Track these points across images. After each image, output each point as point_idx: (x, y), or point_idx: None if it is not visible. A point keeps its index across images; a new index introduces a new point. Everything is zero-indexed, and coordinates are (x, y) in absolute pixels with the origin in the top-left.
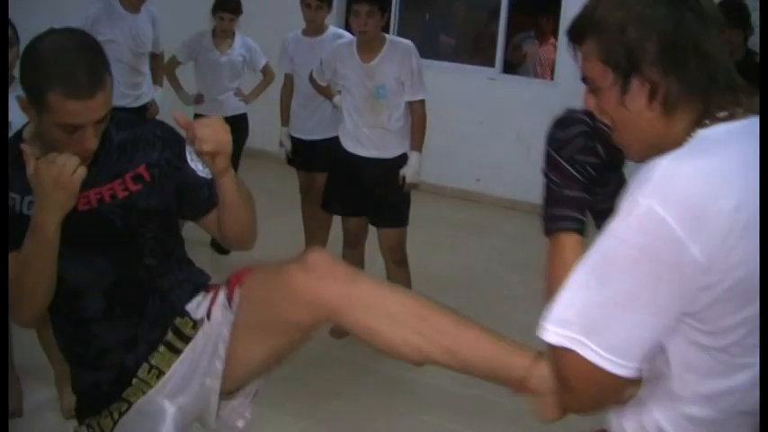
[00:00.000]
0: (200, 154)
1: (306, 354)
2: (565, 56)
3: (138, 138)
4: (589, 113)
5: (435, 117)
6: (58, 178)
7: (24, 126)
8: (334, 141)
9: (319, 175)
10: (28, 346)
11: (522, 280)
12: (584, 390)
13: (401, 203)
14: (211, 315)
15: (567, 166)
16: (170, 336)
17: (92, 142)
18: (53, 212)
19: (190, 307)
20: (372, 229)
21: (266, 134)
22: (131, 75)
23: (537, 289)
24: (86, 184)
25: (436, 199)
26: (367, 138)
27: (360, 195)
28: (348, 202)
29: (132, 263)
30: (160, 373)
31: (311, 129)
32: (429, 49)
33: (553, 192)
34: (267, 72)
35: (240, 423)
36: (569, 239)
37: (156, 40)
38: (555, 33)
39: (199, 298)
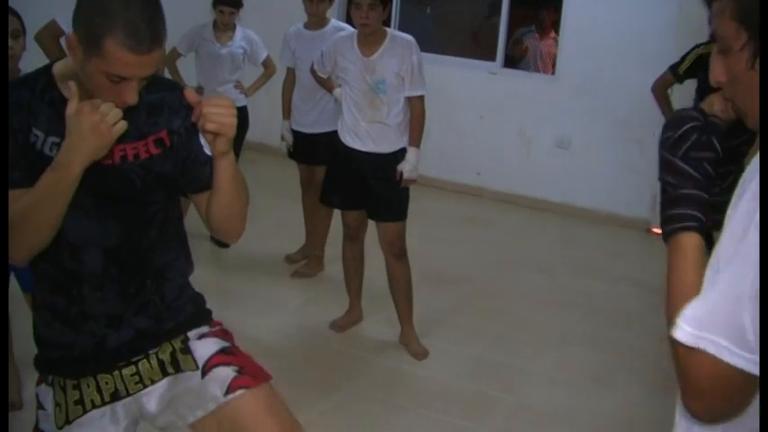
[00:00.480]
0: (203, 132)
1: (306, 347)
2: (566, 50)
3: (165, 102)
4: (699, 110)
5: (436, 111)
6: (98, 125)
7: (53, 62)
8: (336, 135)
9: (320, 169)
10: (27, 337)
11: (523, 275)
12: (716, 391)
13: (399, 198)
14: (211, 374)
15: (683, 164)
16: (165, 356)
17: (133, 97)
18: (82, 156)
19: (191, 335)
20: (372, 223)
21: (267, 127)
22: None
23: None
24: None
25: (436, 193)
26: (365, 132)
27: (358, 189)
28: (346, 196)
29: (139, 229)
30: (141, 384)
31: (312, 122)
32: (430, 44)
33: (668, 193)
34: (268, 65)
35: None
36: (690, 239)
37: None
38: (556, 27)
39: (203, 329)
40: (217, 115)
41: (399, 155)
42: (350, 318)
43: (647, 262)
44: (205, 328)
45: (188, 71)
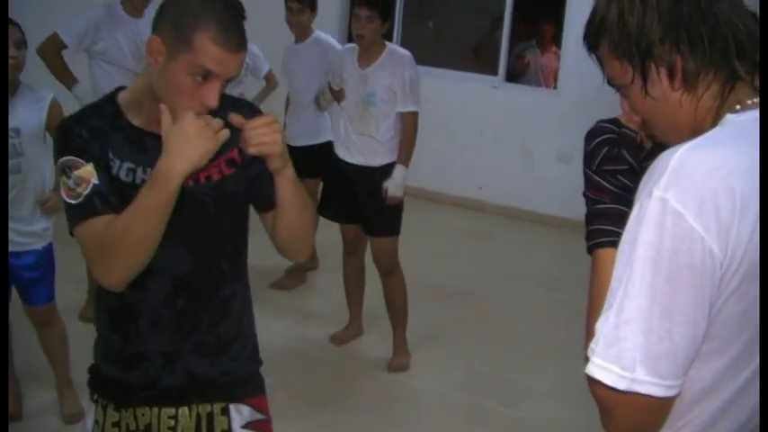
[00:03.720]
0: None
1: (306, 360)
2: (567, 64)
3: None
4: (615, 121)
5: (437, 124)
6: (203, 130)
7: (117, 90)
8: (318, 148)
9: (305, 182)
10: (28, 348)
11: (524, 289)
12: (627, 416)
13: (389, 213)
14: None
15: (597, 178)
16: (203, 413)
17: (214, 99)
18: (185, 162)
19: (234, 422)
20: None
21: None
22: (133, 79)
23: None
24: None
25: (437, 206)
26: (354, 144)
27: (352, 203)
28: (341, 209)
29: (211, 259)
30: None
31: (294, 136)
32: (432, 58)
33: (589, 208)
34: (270, 78)
35: None
36: (607, 255)
37: None
38: (556, 41)
39: (244, 412)
40: (257, 137)
41: (387, 170)
42: (350, 331)
43: None
44: (248, 410)
45: None
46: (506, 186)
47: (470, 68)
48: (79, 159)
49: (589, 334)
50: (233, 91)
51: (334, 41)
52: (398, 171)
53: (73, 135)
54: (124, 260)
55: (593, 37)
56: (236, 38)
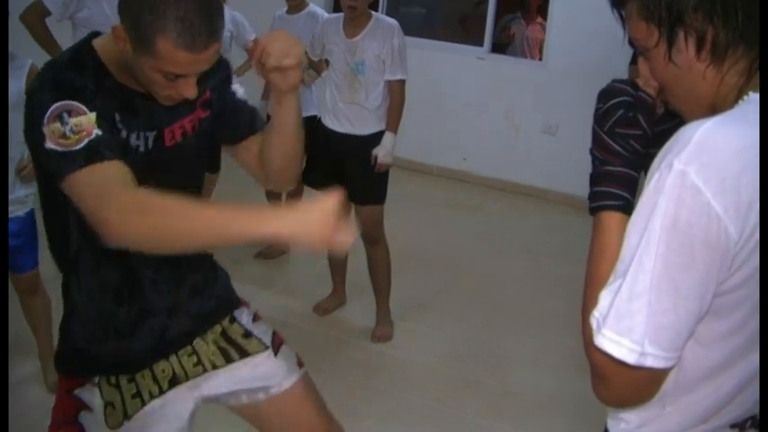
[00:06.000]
0: (269, 71)
1: (289, 330)
2: (553, 36)
3: None
4: (632, 83)
5: (423, 96)
6: (328, 224)
7: (91, 37)
8: (304, 121)
9: None
10: (12, 318)
11: (508, 260)
12: (623, 385)
13: (376, 181)
14: (281, 353)
15: (608, 140)
16: (218, 338)
17: (192, 91)
18: (289, 232)
19: (237, 314)
20: None
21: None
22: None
23: (523, 269)
24: (170, 119)
25: (422, 177)
26: (343, 113)
27: (338, 171)
28: (327, 179)
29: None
30: (201, 367)
31: None
32: (418, 29)
33: (596, 168)
34: None
35: None
36: (611, 219)
37: None
38: (542, 13)
39: (246, 310)
40: (283, 48)
41: (377, 138)
42: (333, 301)
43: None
44: (246, 310)
45: None
46: (491, 158)
47: (456, 39)
48: (81, 105)
49: (589, 299)
50: None
51: (327, 16)
52: (388, 138)
53: (66, 79)
54: (148, 238)
55: None
56: (202, 35)
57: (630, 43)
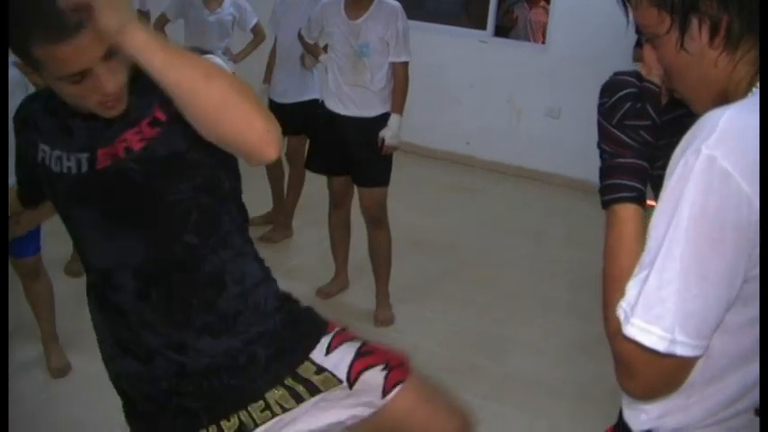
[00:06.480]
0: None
1: None
2: (556, 19)
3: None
4: (635, 74)
5: (426, 79)
6: None
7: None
8: (304, 105)
9: (289, 138)
10: (14, 302)
11: (510, 244)
12: (651, 375)
13: (380, 163)
14: (359, 383)
15: (618, 133)
16: (292, 383)
17: (109, 83)
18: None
19: (317, 358)
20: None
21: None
22: None
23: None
24: (107, 139)
25: (425, 161)
26: (347, 96)
27: (342, 154)
28: (330, 162)
29: (167, 237)
30: (270, 412)
31: (282, 92)
32: (421, 11)
33: (606, 162)
34: (258, 32)
35: None
36: (626, 211)
37: None
38: None
39: (323, 342)
40: None
41: (382, 120)
42: (336, 285)
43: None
44: (325, 339)
45: (178, 37)
46: (494, 141)
47: (459, 23)
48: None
49: (610, 292)
50: (219, 44)
51: None
52: (394, 120)
53: (24, 110)
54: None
55: None
56: (68, 22)
57: (637, 30)
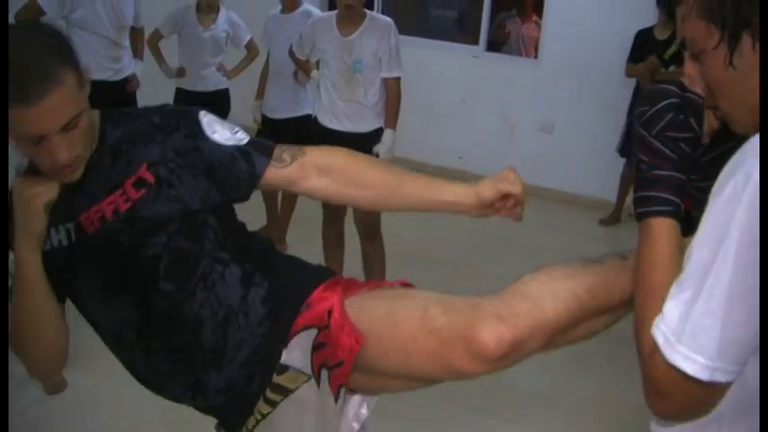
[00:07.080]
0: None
1: None
2: (548, 34)
3: (133, 134)
4: (679, 84)
5: (419, 94)
6: (20, 194)
7: None
8: (297, 121)
9: None
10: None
11: (504, 258)
12: (686, 399)
13: None
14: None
15: (658, 144)
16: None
17: (61, 153)
18: (22, 239)
19: (283, 358)
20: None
21: (248, 110)
22: (112, 48)
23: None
24: (85, 203)
25: None
26: (342, 111)
27: None
28: None
29: (147, 287)
30: (254, 419)
31: (275, 107)
32: (413, 27)
33: (643, 173)
34: (251, 48)
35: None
36: (662, 225)
37: (137, 14)
38: (537, 11)
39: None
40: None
41: (376, 135)
42: None
43: (631, 247)
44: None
45: (171, 53)
46: (487, 156)
47: (451, 38)
48: None
49: (645, 309)
50: (213, 60)
51: (321, 12)
52: (388, 135)
53: None
54: (29, 355)
55: None
56: (33, 84)
57: (682, 44)
